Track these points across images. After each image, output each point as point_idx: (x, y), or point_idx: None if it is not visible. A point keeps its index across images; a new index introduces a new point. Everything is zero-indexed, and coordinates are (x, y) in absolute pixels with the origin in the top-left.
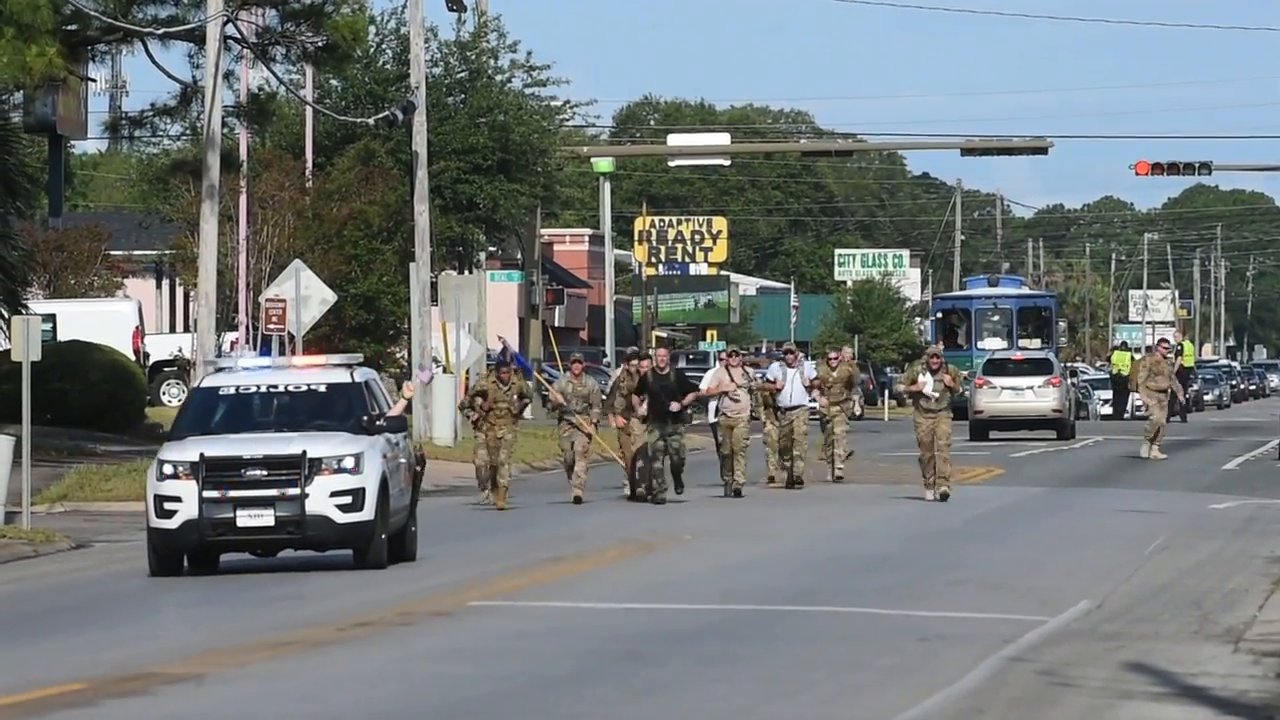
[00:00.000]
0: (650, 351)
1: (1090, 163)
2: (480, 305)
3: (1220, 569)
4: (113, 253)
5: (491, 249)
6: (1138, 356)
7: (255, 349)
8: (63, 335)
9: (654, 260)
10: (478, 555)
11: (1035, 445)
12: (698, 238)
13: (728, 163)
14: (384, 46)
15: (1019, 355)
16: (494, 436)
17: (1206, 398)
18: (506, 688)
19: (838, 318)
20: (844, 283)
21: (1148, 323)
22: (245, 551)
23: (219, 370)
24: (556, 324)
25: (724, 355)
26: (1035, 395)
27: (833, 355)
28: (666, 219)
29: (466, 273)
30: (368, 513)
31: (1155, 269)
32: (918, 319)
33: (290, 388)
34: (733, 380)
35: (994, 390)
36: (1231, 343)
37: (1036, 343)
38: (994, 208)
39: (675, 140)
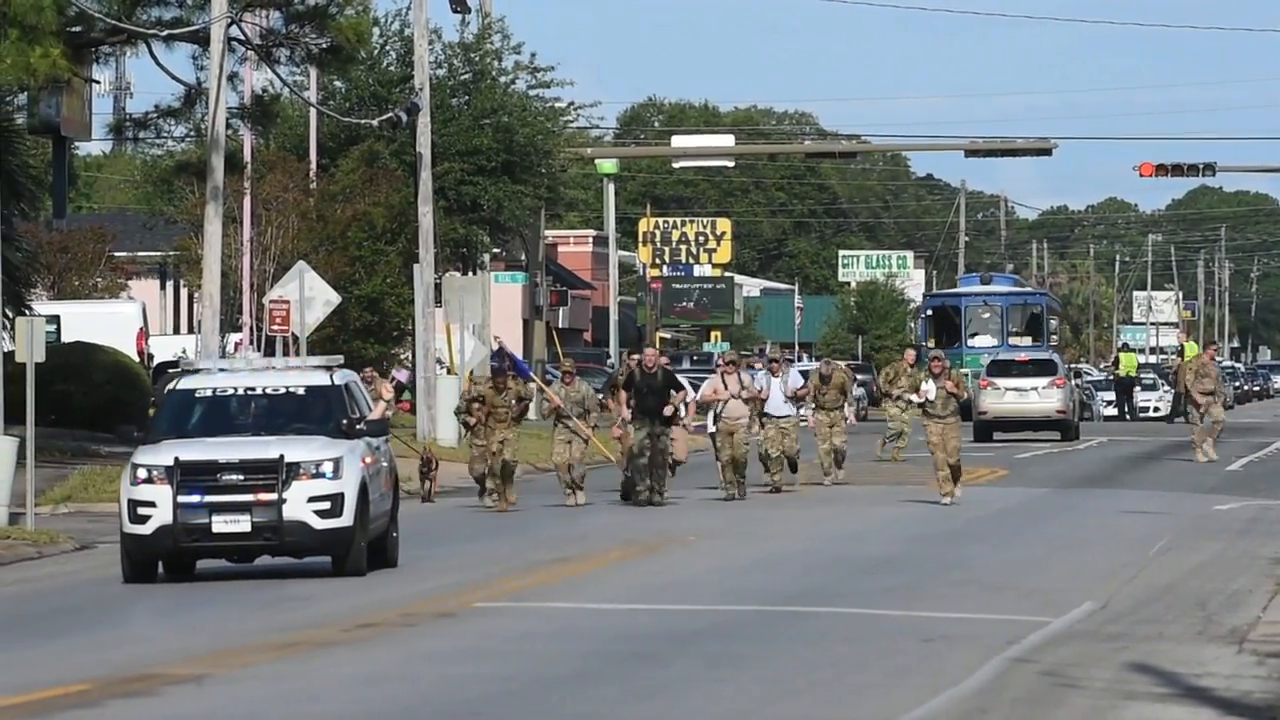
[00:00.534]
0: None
1: (1094, 164)
2: (484, 307)
3: (1224, 570)
4: (117, 254)
5: (495, 250)
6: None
7: (259, 350)
8: (67, 337)
9: (658, 261)
10: (482, 556)
11: (1039, 446)
12: (702, 239)
13: (732, 164)
14: (388, 48)
15: (1023, 356)
16: (495, 441)
17: None
18: (511, 688)
19: (842, 319)
20: (848, 284)
21: (1152, 324)
22: (221, 558)
23: (195, 372)
24: (560, 325)
25: (721, 362)
26: (1039, 396)
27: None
28: (670, 220)
29: (470, 274)
30: (347, 518)
31: (1159, 270)
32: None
33: (268, 390)
34: (727, 388)
35: (998, 391)
36: (1236, 344)
37: (1028, 340)
38: (998, 209)
39: (679, 142)
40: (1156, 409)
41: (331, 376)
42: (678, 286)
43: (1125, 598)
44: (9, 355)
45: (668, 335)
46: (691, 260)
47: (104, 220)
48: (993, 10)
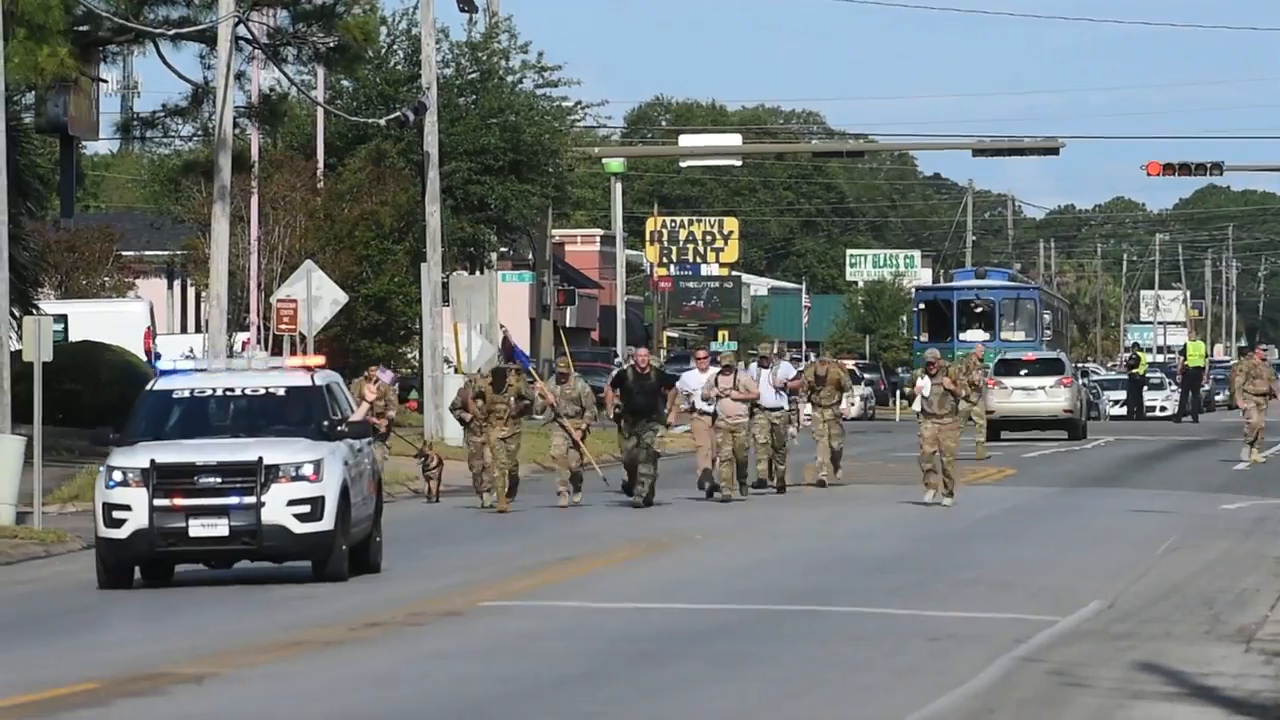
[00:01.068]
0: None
1: (1101, 163)
2: (491, 306)
3: (1232, 569)
4: (124, 253)
5: (503, 249)
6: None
7: (266, 349)
8: (74, 336)
9: (665, 260)
10: (488, 556)
11: (1046, 445)
12: (709, 238)
13: (739, 163)
14: (395, 47)
15: (1030, 355)
16: (494, 438)
17: (1218, 398)
18: (518, 688)
19: (849, 318)
20: (855, 283)
21: (1159, 323)
22: (198, 562)
23: (172, 372)
24: (568, 324)
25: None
26: (1047, 395)
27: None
28: (678, 219)
29: (478, 273)
30: (327, 522)
31: (1167, 269)
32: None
33: (247, 391)
34: (717, 384)
35: (1005, 390)
36: (1243, 343)
37: (1020, 335)
38: (1005, 208)
39: (686, 141)
40: (1163, 408)
41: (312, 377)
42: (685, 285)
43: (1133, 597)
44: (17, 354)
45: (675, 334)
46: (699, 259)
47: (111, 219)
48: (1000, 10)
